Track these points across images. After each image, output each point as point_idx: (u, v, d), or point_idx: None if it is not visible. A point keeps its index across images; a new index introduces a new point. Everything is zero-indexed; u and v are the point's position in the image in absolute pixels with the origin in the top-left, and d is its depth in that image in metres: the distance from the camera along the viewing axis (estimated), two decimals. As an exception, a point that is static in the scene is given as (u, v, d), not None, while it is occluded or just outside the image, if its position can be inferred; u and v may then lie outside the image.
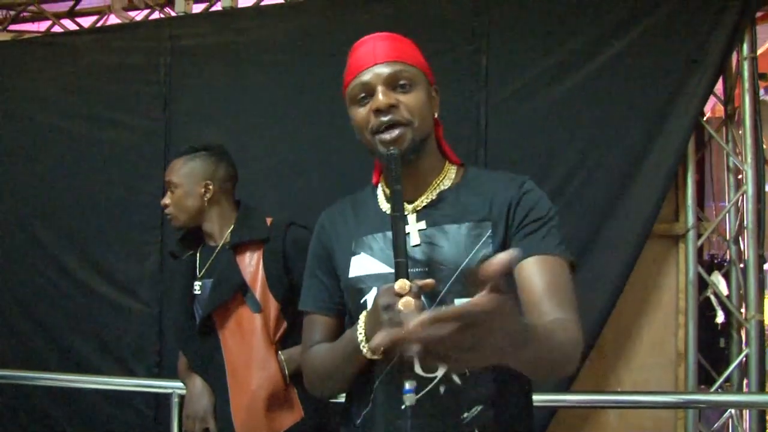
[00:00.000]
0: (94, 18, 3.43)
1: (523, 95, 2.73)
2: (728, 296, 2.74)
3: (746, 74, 2.67)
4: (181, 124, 3.02)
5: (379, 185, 1.41)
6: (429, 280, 1.15)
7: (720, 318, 2.72)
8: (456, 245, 1.25)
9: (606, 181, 2.64)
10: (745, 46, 2.67)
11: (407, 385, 1.06)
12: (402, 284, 1.10)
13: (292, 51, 2.96)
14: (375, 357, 1.20)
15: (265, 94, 2.97)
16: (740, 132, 2.73)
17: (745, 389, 2.68)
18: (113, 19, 3.33)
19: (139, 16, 3.31)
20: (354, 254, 1.33)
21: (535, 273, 1.19)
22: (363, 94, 1.26)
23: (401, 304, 1.08)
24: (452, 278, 1.22)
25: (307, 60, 2.94)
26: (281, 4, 3.13)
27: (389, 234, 1.25)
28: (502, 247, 1.24)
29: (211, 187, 2.03)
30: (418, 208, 1.31)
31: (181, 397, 2.23)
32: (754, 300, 2.61)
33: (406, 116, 1.24)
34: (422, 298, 1.13)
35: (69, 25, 3.49)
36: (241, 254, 1.95)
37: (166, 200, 2.03)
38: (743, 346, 2.70)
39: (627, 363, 2.85)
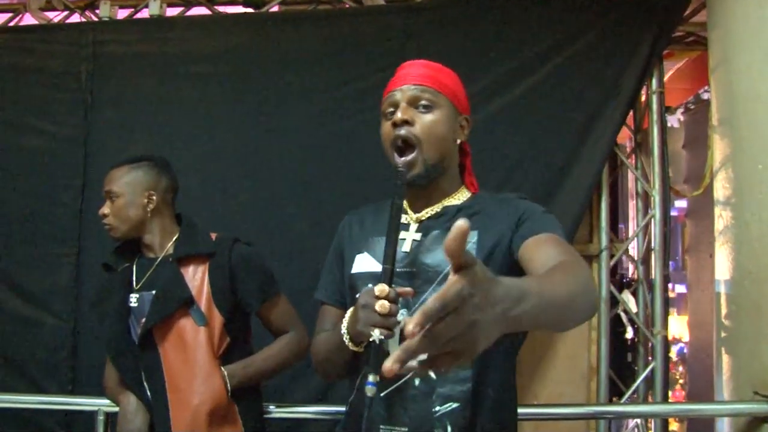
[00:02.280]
0: (8, 15, 3.30)
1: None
2: (636, 313, 2.99)
3: (654, 107, 2.95)
4: (102, 133, 2.97)
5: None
6: (407, 288, 1.31)
7: (629, 334, 2.96)
8: (441, 251, 1.32)
9: (526, 203, 2.82)
10: (654, 81, 2.94)
11: (370, 378, 1.20)
12: (382, 288, 1.23)
13: (221, 64, 2.99)
14: (356, 349, 1.35)
15: (191, 106, 2.98)
16: (649, 159, 3.00)
17: (650, 400, 2.94)
18: (29, 19, 3.23)
19: (57, 17, 3.23)
20: (359, 252, 1.50)
21: (535, 249, 1.28)
22: (391, 109, 1.45)
23: (377, 306, 1.22)
24: (436, 281, 1.37)
25: (236, 74, 2.98)
26: (212, 16, 3.15)
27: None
28: (489, 253, 1.35)
29: (154, 197, 2.03)
30: (422, 219, 1.47)
31: (108, 415, 2.20)
32: (660, 316, 2.87)
33: (417, 133, 1.40)
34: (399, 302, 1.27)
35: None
36: (185, 267, 1.96)
37: (105, 210, 2.00)
38: (649, 360, 2.95)
39: (542, 377, 3.05)
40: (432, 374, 1.34)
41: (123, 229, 2.01)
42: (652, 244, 2.94)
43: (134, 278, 2.03)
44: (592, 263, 3.01)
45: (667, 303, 2.90)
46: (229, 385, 1.94)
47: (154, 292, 1.95)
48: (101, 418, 2.19)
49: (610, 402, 2.94)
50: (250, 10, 3.14)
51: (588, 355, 2.99)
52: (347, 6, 3.13)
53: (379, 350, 1.23)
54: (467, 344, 0.80)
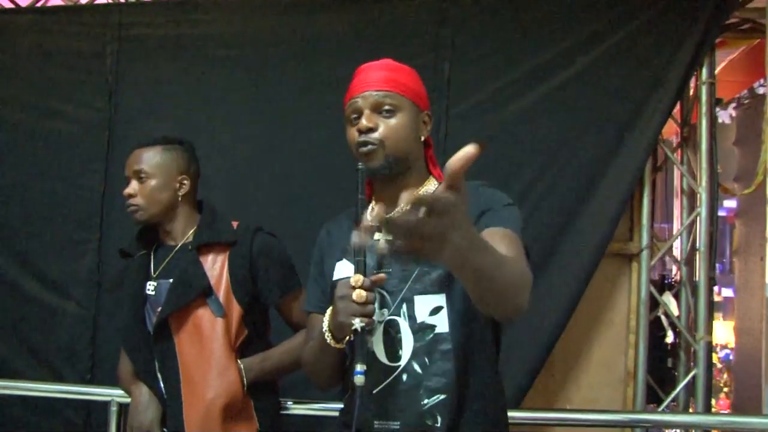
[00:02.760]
0: (33, -3, 3.31)
1: (484, 107, 2.80)
2: (678, 317, 2.86)
3: (704, 98, 2.81)
4: (127, 117, 2.95)
5: (373, 199, 1.61)
6: (380, 275, 1.39)
7: (670, 338, 2.84)
8: None
9: (563, 198, 2.73)
10: (704, 71, 2.81)
11: (358, 367, 1.31)
12: (356, 278, 1.32)
13: (249, 48, 2.95)
14: (338, 346, 1.41)
15: (218, 91, 2.94)
16: (696, 155, 2.87)
17: (691, 409, 2.82)
18: (55, 0, 3.24)
19: (84, -1, 3.24)
20: (339, 260, 1.56)
21: (490, 240, 1.26)
22: (355, 115, 1.52)
23: (355, 295, 1.31)
24: (411, 277, 1.45)
25: (266, 59, 2.94)
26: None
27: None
28: None
29: (186, 182, 2.02)
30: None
31: (121, 406, 2.18)
32: (704, 321, 2.74)
33: (379, 137, 1.47)
34: (375, 290, 1.37)
35: (4, 2, 3.36)
36: (204, 256, 1.94)
37: (131, 190, 1.96)
38: (691, 366, 2.83)
39: (576, 381, 2.95)
40: (417, 368, 1.43)
41: (151, 212, 1.97)
42: (697, 244, 2.81)
43: (152, 266, 2.01)
44: (631, 262, 2.89)
45: (711, 307, 2.77)
46: (245, 379, 1.91)
47: (171, 280, 1.92)
48: (114, 408, 2.18)
49: (648, 409, 2.83)
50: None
51: (625, 360, 2.88)
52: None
53: (363, 339, 1.32)
54: (431, 248, 0.92)
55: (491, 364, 1.51)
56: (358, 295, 1.30)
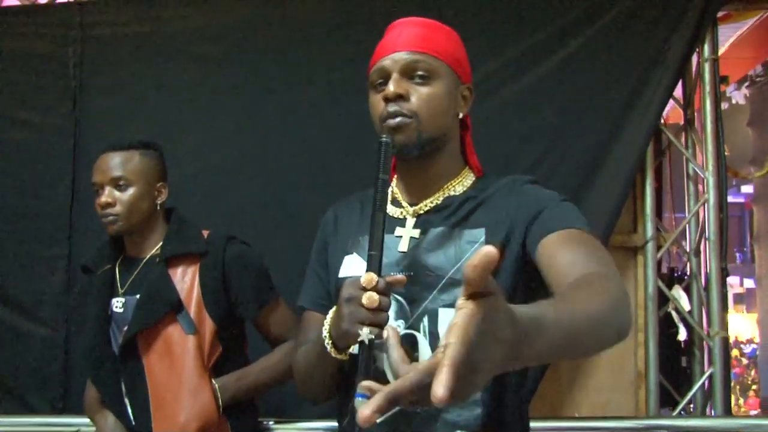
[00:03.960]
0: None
1: (476, 96, 2.74)
2: (690, 312, 2.80)
3: (707, 77, 2.75)
4: (94, 123, 2.88)
5: (394, 181, 1.43)
6: (399, 276, 1.19)
7: (682, 335, 2.78)
8: (445, 251, 1.28)
9: (562, 187, 2.63)
10: (707, 48, 2.75)
11: (360, 389, 0.97)
12: (369, 277, 1.12)
13: (221, 43, 2.89)
14: (339, 356, 1.22)
15: (190, 90, 2.88)
16: (701, 137, 2.80)
17: (708, 411, 2.75)
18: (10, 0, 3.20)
19: (42, -1, 3.19)
20: (347, 253, 1.37)
21: (555, 252, 1.15)
22: (381, 80, 1.32)
23: (365, 298, 1.11)
24: (438, 286, 1.25)
25: (239, 54, 2.88)
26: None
27: (390, 236, 1.30)
28: (501, 255, 1.21)
29: (164, 190, 1.98)
30: (420, 213, 1.36)
31: (89, 437, 2.14)
32: (718, 316, 2.67)
33: (414, 109, 1.27)
34: (391, 296, 1.17)
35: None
36: (174, 269, 1.89)
37: (109, 199, 1.88)
38: (706, 364, 2.77)
39: (584, 385, 2.88)
40: None
41: (131, 222, 1.91)
42: (706, 233, 2.75)
43: (118, 281, 1.96)
44: (636, 255, 2.83)
45: (725, 300, 2.71)
46: (220, 399, 1.86)
47: (138, 296, 1.88)
48: (81, 439, 2.13)
49: (663, 413, 2.76)
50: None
51: (635, 360, 2.81)
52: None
53: (370, 354, 1.12)
54: (467, 387, 0.68)
55: (523, 396, 1.35)
56: (369, 298, 1.11)
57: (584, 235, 1.17)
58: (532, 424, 2.40)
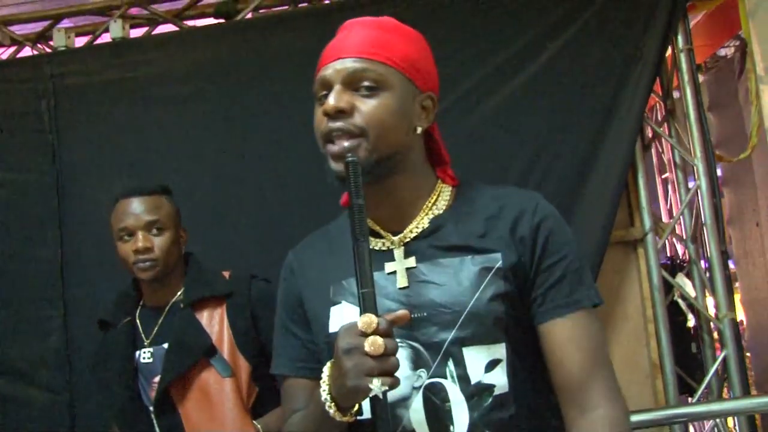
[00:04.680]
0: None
1: (460, 108, 2.75)
2: (695, 298, 2.84)
3: (684, 66, 2.82)
4: (75, 175, 2.84)
5: None
6: (401, 312, 1.04)
7: (692, 322, 2.82)
8: (458, 282, 1.14)
9: (557, 190, 2.69)
10: (680, 38, 2.82)
11: None
12: (367, 320, 0.98)
13: (197, 82, 2.87)
14: (345, 419, 1.06)
15: (170, 132, 2.85)
16: (685, 127, 2.87)
17: (725, 393, 2.79)
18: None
19: (6, 53, 3.11)
20: (333, 303, 1.20)
21: (568, 343, 1.12)
22: (324, 92, 1.17)
23: (368, 345, 0.96)
24: (458, 323, 1.11)
25: (216, 91, 2.86)
26: (181, 32, 3.02)
27: (379, 272, 1.16)
28: (516, 279, 1.14)
29: (185, 234, 1.98)
30: (406, 240, 1.20)
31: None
32: (724, 298, 2.72)
33: (358, 124, 1.12)
34: (395, 336, 1.02)
35: None
36: (199, 312, 1.86)
37: (147, 243, 1.84)
38: (717, 348, 2.81)
39: (601, 384, 2.89)
40: None
41: (167, 268, 1.89)
42: (702, 218, 2.80)
43: (141, 332, 1.91)
44: (637, 248, 2.87)
45: (729, 281, 2.76)
46: None
47: (166, 345, 1.83)
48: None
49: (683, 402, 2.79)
50: (221, 21, 3.02)
51: (648, 352, 2.84)
52: (327, 1, 3.01)
53: (386, 408, 0.98)
54: None
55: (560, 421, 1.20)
56: (373, 344, 0.96)
57: (590, 318, 1.15)
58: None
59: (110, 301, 2.01)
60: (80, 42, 3.06)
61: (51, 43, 3.07)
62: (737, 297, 5.53)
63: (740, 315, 5.83)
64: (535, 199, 1.21)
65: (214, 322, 1.85)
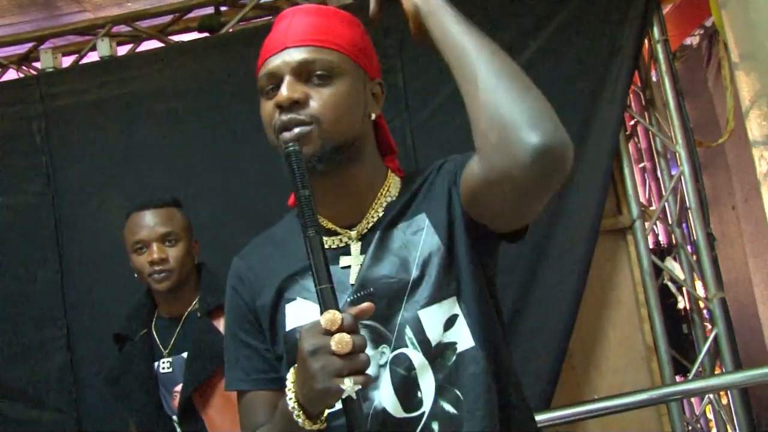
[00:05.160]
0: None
1: (446, 110, 2.82)
2: (684, 280, 2.94)
3: (661, 57, 2.92)
4: (71, 194, 2.85)
5: None
6: (366, 304, 0.97)
7: (682, 303, 2.92)
8: (397, 252, 1.12)
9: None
10: (656, 29, 2.92)
11: None
12: (330, 317, 0.90)
13: (186, 97, 2.91)
14: (316, 427, 0.98)
15: (162, 147, 2.89)
16: (666, 115, 2.97)
17: (717, 370, 2.89)
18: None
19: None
20: (288, 301, 1.14)
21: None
22: (271, 85, 1.11)
23: (334, 344, 0.89)
24: (407, 289, 1.09)
25: (205, 105, 2.90)
26: (168, 47, 3.06)
27: (334, 268, 1.08)
28: (448, 231, 1.12)
29: (197, 245, 2.01)
30: (364, 232, 1.17)
31: None
32: (712, 278, 2.82)
33: (312, 113, 1.08)
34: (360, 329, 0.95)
35: None
36: (216, 321, 1.88)
37: (162, 254, 1.88)
38: (708, 327, 2.91)
39: (598, 368, 2.98)
40: (450, 408, 1.08)
41: (182, 278, 1.93)
42: (687, 203, 2.90)
43: (159, 343, 1.93)
44: (626, 235, 2.96)
45: (716, 262, 2.86)
46: None
47: (186, 354, 1.86)
48: None
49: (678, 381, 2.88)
50: (206, 35, 3.06)
51: (642, 336, 2.93)
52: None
53: (356, 408, 0.91)
54: None
55: (516, 372, 1.19)
56: (340, 342, 0.89)
57: None
58: (559, 413, 2.51)
59: (123, 315, 2.03)
60: (66, 62, 3.07)
61: (36, 64, 3.07)
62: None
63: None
64: (441, 160, 1.21)
65: None
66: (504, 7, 2.85)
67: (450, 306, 1.10)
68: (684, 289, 2.96)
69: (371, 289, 1.09)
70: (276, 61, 1.10)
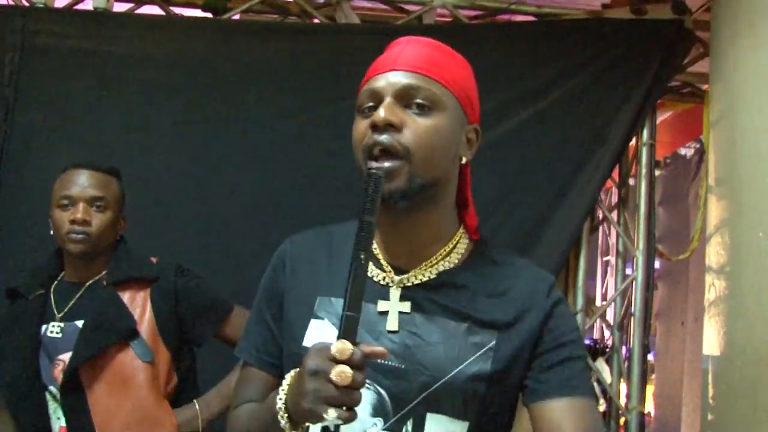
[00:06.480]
0: None
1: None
2: (610, 384, 2.90)
3: (644, 160, 2.91)
4: (25, 138, 2.71)
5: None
6: (379, 348, 0.95)
7: (602, 407, 2.87)
8: (446, 348, 1.07)
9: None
10: (645, 132, 2.91)
11: None
12: (342, 347, 0.89)
13: (173, 72, 2.81)
14: None
15: (134, 116, 2.77)
16: (633, 216, 2.95)
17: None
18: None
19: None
20: (315, 317, 1.13)
21: (563, 423, 1.04)
22: (371, 104, 1.08)
23: (334, 374, 0.88)
24: (432, 387, 1.05)
25: (190, 85, 2.81)
26: (166, 17, 2.98)
27: (370, 306, 1.09)
28: (506, 365, 1.08)
29: (124, 222, 1.92)
30: (407, 284, 1.12)
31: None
32: (637, 390, 2.79)
33: (406, 144, 1.04)
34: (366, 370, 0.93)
35: None
36: (122, 293, 1.80)
37: (86, 216, 1.78)
38: (621, 436, 2.87)
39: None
40: None
41: (98, 247, 1.82)
42: (632, 309, 2.87)
43: (54, 306, 1.84)
44: (565, 325, 2.91)
45: (644, 375, 2.83)
46: (201, 418, 1.81)
47: (81, 322, 1.76)
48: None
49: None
50: (209, 15, 3.00)
51: None
52: (318, 22, 3.02)
53: None
54: None
55: None
56: (340, 374, 0.88)
57: (591, 408, 1.07)
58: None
59: (25, 271, 1.93)
60: (60, 3, 2.98)
61: (30, -4, 2.98)
62: (650, 389, 5.68)
63: (650, 406, 5.97)
64: (548, 282, 1.14)
65: (136, 304, 1.79)
66: (499, 71, 2.81)
67: (458, 426, 1.06)
68: (608, 394, 2.91)
69: (403, 366, 1.06)
70: (380, 82, 1.08)
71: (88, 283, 1.84)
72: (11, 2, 2.96)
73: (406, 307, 1.10)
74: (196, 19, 3.01)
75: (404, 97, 1.06)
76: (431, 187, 1.07)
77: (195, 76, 2.82)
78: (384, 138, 1.03)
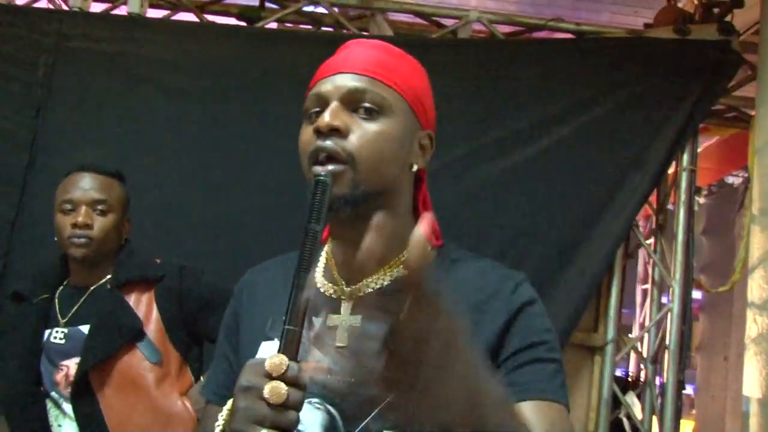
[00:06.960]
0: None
1: (453, 172, 2.68)
2: (641, 421, 2.75)
3: (683, 186, 2.77)
4: (54, 137, 2.73)
5: (326, 246, 1.11)
6: (319, 365, 0.86)
7: (632, 445, 2.73)
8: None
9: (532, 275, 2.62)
10: (686, 157, 2.78)
11: None
12: (276, 361, 0.81)
13: (202, 78, 2.80)
14: None
15: (160, 120, 2.77)
16: (671, 244, 2.81)
17: None
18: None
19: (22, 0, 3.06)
20: (267, 338, 1.05)
21: (533, 425, 0.94)
22: (316, 108, 1.02)
23: (267, 390, 0.80)
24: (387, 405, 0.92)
25: (218, 92, 2.79)
26: (198, 24, 2.99)
27: (320, 321, 1.01)
28: None
29: (128, 225, 1.88)
30: (359, 294, 1.03)
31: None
32: (671, 428, 2.63)
33: (350, 150, 0.98)
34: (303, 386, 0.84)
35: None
36: (127, 295, 1.76)
37: (88, 219, 1.75)
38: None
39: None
40: None
41: (101, 251, 1.78)
42: (667, 341, 2.72)
43: (58, 311, 1.80)
44: (594, 355, 2.78)
45: (679, 412, 2.68)
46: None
47: (87, 326, 1.73)
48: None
49: None
50: (243, 24, 2.99)
51: (582, 463, 2.73)
52: (352, 33, 2.97)
53: None
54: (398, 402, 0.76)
55: None
56: (273, 391, 0.80)
57: (561, 412, 0.97)
58: None
59: (29, 274, 1.90)
60: (96, 8, 3.00)
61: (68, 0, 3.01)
62: (691, 425, 5.44)
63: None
64: (514, 281, 1.03)
65: (142, 306, 1.76)
66: (534, 89, 2.73)
67: None
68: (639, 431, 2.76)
69: (351, 379, 0.90)
70: (326, 85, 1.02)
71: (92, 288, 1.81)
72: (50, 6, 3.00)
73: (356, 321, 1.01)
74: (228, 27, 3.01)
75: (351, 101, 1.00)
76: (377, 195, 1.00)
77: (223, 82, 2.80)
78: (328, 144, 0.98)
